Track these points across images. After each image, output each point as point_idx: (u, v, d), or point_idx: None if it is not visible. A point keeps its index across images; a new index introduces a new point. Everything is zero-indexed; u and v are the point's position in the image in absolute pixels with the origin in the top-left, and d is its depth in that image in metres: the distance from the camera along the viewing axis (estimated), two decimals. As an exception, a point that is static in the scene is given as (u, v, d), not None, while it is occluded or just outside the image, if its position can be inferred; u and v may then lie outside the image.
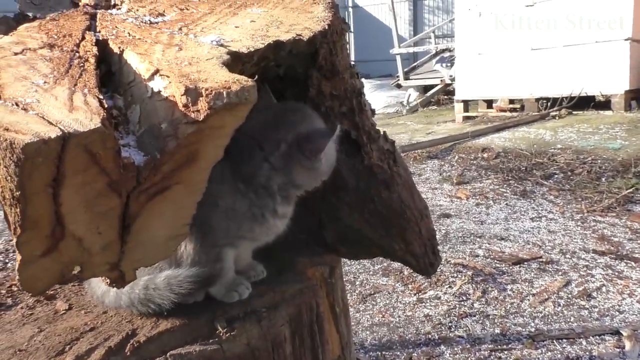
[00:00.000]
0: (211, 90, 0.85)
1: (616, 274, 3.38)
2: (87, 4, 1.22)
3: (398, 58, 13.10)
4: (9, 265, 2.90)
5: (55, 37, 1.02)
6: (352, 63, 1.27)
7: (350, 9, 22.92)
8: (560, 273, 3.40)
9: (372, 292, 3.32)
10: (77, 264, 0.91)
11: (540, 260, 3.60)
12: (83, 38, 1.02)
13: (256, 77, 0.89)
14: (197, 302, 1.24)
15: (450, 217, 4.60)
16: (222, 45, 1.01)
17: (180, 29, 1.08)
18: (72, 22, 1.09)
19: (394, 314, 3.05)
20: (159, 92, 0.90)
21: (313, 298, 1.36)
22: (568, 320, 2.88)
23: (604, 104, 8.12)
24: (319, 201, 1.48)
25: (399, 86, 13.12)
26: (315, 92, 1.25)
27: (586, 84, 8.01)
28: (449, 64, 12.13)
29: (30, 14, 1.24)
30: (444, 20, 17.39)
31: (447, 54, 12.90)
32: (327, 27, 1.10)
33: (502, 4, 8.67)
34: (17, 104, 0.81)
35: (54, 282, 0.91)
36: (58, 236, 0.85)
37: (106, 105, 0.81)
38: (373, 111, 1.36)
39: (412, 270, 1.94)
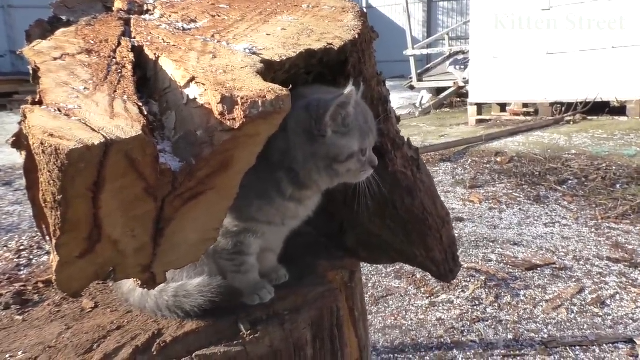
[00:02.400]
0: (247, 99, 0.87)
1: (630, 281, 3.37)
2: (121, 9, 1.24)
3: (411, 59, 13.07)
4: (33, 261, 2.96)
5: (92, 42, 1.04)
6: (380, 71, 1.28)
7: (364, 10, 22.89)
8: (573, 280, 3.39)
9: (385, 295, 3.33)
10: (111, 266, 0.93)
11: (554, 266, 3.59)
12: (119, 44, 1.04)
13: (290, 86, 0.90)
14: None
15: (463, 221, 4.59)
16: (254, 53, 1.02)
17: (212, 36, 1.10)
18: (108, 28, 1.11)
19: (407, 317, 3.06)
20: (195, 99, 0.92)
21: (334, 302, 1.38)
22: (581, 327, 2.88)
23: (619, 110, 8.06)
24: (340, 205, 1.49)
25: (412, 88, 13.10)
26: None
27: (601, 90, 7.95)
28: (462, 67, 12.09)
29: (63, 18, 1.27)
30: (458, 23, 17.32)
31: (460, 56, 12.85)
32: (357, 36, 1.12)
33: (518, 7, 8.63)
34: (59, 110, 0.83)
35: (88, 282, 0.93)
36: (95, 239, 0.87)
37: (145, 112, 0.83)
38: (398, 118, 1.37)
39: (425, 273, 1.94)
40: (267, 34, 1.11)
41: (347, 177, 1.22)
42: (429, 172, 1.45)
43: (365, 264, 3.74)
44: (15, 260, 2.17)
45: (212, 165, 0.89)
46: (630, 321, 2.92)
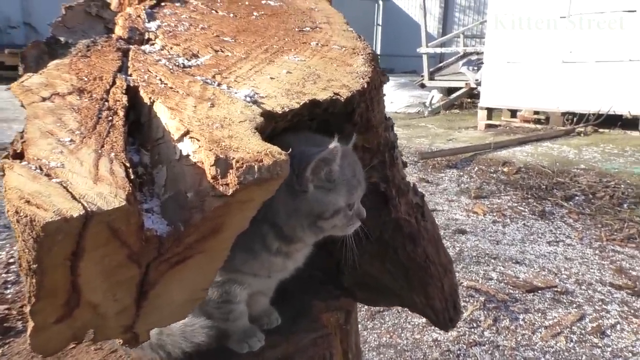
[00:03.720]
0: (242, 163, 0.80)
1: (632, 311, 3.31)
2: (121, 38, 1.17)
3: (424, 57, 12.92)
4: (22, 278, 2.88)
5: (86, 79, 0.98)
6: (387, 116, 1.21)
7: (381, 2, 22.65)
8: (574, 305, 3.33)
9: (382, 310, 3.28)
10: (91, 328, 0.88)
11: (555, 289, 3.53)
12: (114, 83, 0.98)
13: (290, 150, 0.84)
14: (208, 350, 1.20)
15: (466, 233, 4.53)
16: (255, 102, 0.96)
17: (213, 76, 1.04)
18: (104, 61, 1.05)
19: (402, 335, 3.01)
20: (188, 156, 0.86)
21: (327, 348, 1.33)
22: (580, 358, 2.83)
23: (632, 124, 7.93)
24: (338, 245, 1.43)
25: (422, 86, 12.97)
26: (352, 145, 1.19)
27: (615, 102, 7.82)
28: (475, 68, 11.94)
29: (62, 39, 1.20)
30: (474, 21, 17.09)
31: (474, 57, 12.68)
32: (365, 86, 1.05)
33: (536, 13, 8.47)
34: (40, 168, 0.77)
35: (65, 344, 0.88)
36: (73, 304, 0.81)
37: (132, 176, 0.77)
38: (405, 163, 1.31)
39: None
40: (271, 78, 1.05)
41: (333, 232, 1.15)
42: (434, 220, 1.39)
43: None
44: (3, 275, 2.12)
45: (202, 231, 0.84)
46: (630, 354, 2.87)
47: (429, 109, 11.41)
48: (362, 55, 1.14)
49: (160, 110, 0.93)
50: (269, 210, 1.06)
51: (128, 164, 0.79)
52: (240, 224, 0.87)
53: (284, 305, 1.40)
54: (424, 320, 3.16)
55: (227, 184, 0.81)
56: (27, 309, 0.79)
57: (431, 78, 12.91)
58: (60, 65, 1.02)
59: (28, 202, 0.71)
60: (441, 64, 14.00)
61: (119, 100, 0.93)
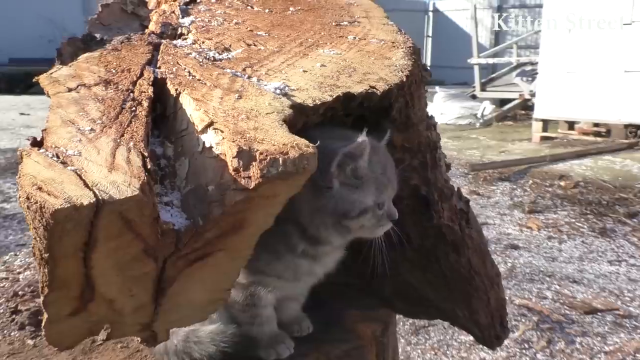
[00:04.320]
0: (266, 155, 0.75)
1: (703, 339, 3.03)
2: (153, 32, 1.16)
3: (476, 68, 12.62)
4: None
5: (114, 71, 0.96)
6: (430, 114, 1.13)
7: (430, 13, 22.40)
8: (638, 331, 3.08)
9: (427, 325, 3.15)
10: (107, 323, 0.84)
11: (617, 312, 3.28)
12: (141, 75, 0.95)
13: (318, 143, 0.78)
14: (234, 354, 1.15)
15: (519, 249, 4.32)
16: (285, 94, 0.91)
17: (244, 69, 0.99)
18: (134, 54, 1.03)
19: (448, 352, 2.87)
20: (211, 147, 0.81)
21: (361, 361, 1.25)
22: (643, 388, 2.60)
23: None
24: (366, 247, 1.35)
25: (474, 97, 12.65)
26: (385, 142, 1.12)
27: (683, 114, 7.34)
28: (529, 79, 11.54)
29: (97, 35, 1.20)
30: (528, 31, 16.58)
31: (528, 68, 12.27)
32: (405, 79, 0.98)
33: (597, 20, 8.10)
34: (57, 156, 0.74)
35: (81, 339, 0.85)
36: (87, 297, 0.78)
37: (149, 166, 0.73)
38: (448, 166, 1.22)
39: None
40: (304, 71, 0.99)
41: (361, 233, 1.06)
42: (480, 228, 1.29)
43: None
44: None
45: (222, 226, 0.79)
46: (700, 386, 2.62)
47: (481, 120, 11.09)
48: (402, 48, 1.07)
49: (186, 101, 0.89)
50: (293, 208, 0.96)
51: (146, 154, 0.76)
52: (264, 222, 0.81)
53: (317, 313, 1.33)
54: (471, 338, 3.01)
55: (249, 177, 0.76)
56: (41, 300, 0.76)
57: (483, 89, 12.58)
58: (90, 58, 1.01)
59: (40, 188, 0.68)
60: (493, 75, 13.63)
61: (144, 92, 0.90)
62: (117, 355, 1.19)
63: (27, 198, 0.67)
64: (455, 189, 1.24)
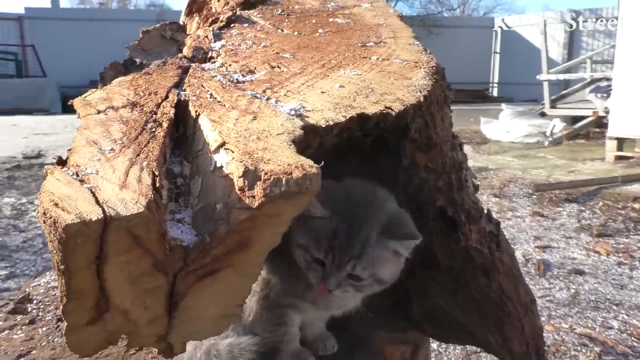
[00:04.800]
0: (270, 175, 0.77)
1: None
2: (185, 56, 1.22)
3: (545, 84, 12.14)
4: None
5: (142, 94, 1.02)
6: (455, 134, 1.11)
7: (499, 29, 21.88)
8: None
9: (479, 350, 3.03)
10: (123, 334, 0.88)
11: (691, 346, 3.02)
12: (166, 97, 1.01)
13: (322, 163, 0.79)
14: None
15: (584, 274, 4.07)
16: (300, 115, 0.92)
17: (264, 91, 1.02)
18: (163, 78, 1.08)
19: (500, 381, 2.75)
20: (221, 167, 0.84)
21: (387, 385, 1.23)
22: None
23: None
24: (406, 273, 1.33)
25: (543, 114, 12.15)
26: (409, 163, 1.11)
27: None
28: (605, 95, 10.94)
29: (137, 60, 1.27)
30: (605, 45, 15.79)
31: (604, 83, 11.66)
32: (422, 99, 0.97)
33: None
34: (77, 174, 0.80)
35: (101, 347, 0.89)
36: (103, 308, 0.82)
37: (158, 184, 0.77)
38: (476, 187, 1.19)
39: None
40: (322, 92, 1.01)
41: (302, 268, 1.09)
42: (513, 252, 1.24)
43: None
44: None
45: (228, 244, 0.81)
46: None
47: (550, 138, 10.62)
48: (424, 68, 1.06)
49: (204, 122, 0.93)
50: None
51: (157, 172, 0.80)
52: (270, 240, 0.83)
53: (343, 333, 1.33)
54: (526, 366, 2.86)
55: (253, 197, 0.78)
56: (60, 309, 0.81)
57: (553, 106, 12.06)
58: (122, 81, 1.08)
59: (56, 204, 0.73)
60: (564, 92, 13.04)
61: (166, 113, 0.95)
62: (148, 365, 1.24)
63: (44, 214, 0.73)
64: (485, 211, 1.21)
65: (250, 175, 0.78)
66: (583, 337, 3.10)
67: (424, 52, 1.13)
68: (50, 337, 1.37)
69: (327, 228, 1.02)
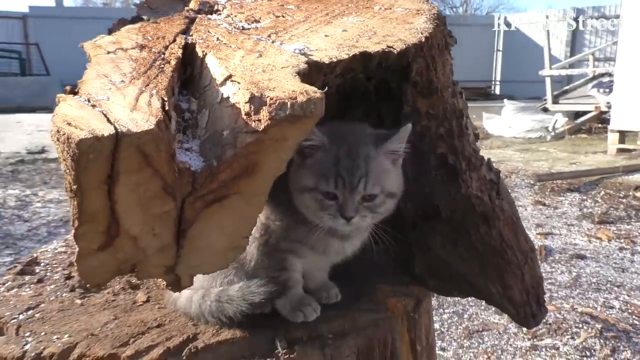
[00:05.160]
0: (275, 100, 0.79)
1: None
2: (191, 9, 1.24)
3: (547, 80, 12.14)
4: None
5: (150, 38, 1.05)
6: (455, 81, 1.13)
7: (501, 27, 21.86)
8: None
9: (481, 329, 3.06)
10: (133, 262, 0.90)
11: (693, 325, 3.04)
12: (174, 40, 1.03)
13: (326, 88, 0.82)
14: (261, 316, 1.19)
15: (585, 259, 4.09)
16: (304, 54, 0.95)
17: (269, 35, 1.05)
18: (170, 25, 1.11)
19: (502, 357, 2.77)
20: (228, 98, 0.87)
21: (389, 332, 1.25)
22: None
23: None
24: (410, 229, 1.36)
25: (545, 110, 12.16)
26: (410, 110, 1.14)
27: None
28: (607, 90, 10.96)
29: (145, 17, 1.30)
30: (607, 42, 15.77)
31: (606, 79, 11.66)
32: (423, 40, 0.99)
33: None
34: (89, 100, 0.82)
35: (111, 276, 0.92)
36: (113, 233, 0.85)
37: (167, 107, 0.80)
38: (477, 135, 1.21)
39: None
40: (326, 35, 1.04)
41: (310, 214, 1.13)
42: (512, 200, 1.26)
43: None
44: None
45: (235, 168, 0.83)
46: None
47: (552, 133, 10.64)
48: (425, 15, 1.09)
49: (211, 60, 0.96)
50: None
51: (166, 98, 0.82)
52: (276, 166, 0.85)
53: (348, 287, 1.35)
54: (528, 344, 2.89)
55: (259, 120, 0.80)
56: (72, 233, 0.83)
57: (555, 102, 12.07)
58: (130, 28, 1.11)
59: (69, 124, 0.76)
60: (567, 87, 13.04)
61: (174, 53, 0.98)
62: (154, 314, 1.26)
63: (58, 131, 0.75)
64: (485, 160, 1.23)
65: (257, 101, 0.81)
66: (584, 316, 3.12)
67: (425, 2, 1.16)
68: (58, 293, 1.39)
69: (329, 157, 1.06)
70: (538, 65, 12.95)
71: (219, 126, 0.86)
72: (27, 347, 1.14)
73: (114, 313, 1.27)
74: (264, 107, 0.80)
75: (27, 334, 1.20)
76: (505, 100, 12.71)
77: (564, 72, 12.97)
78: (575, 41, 19.10)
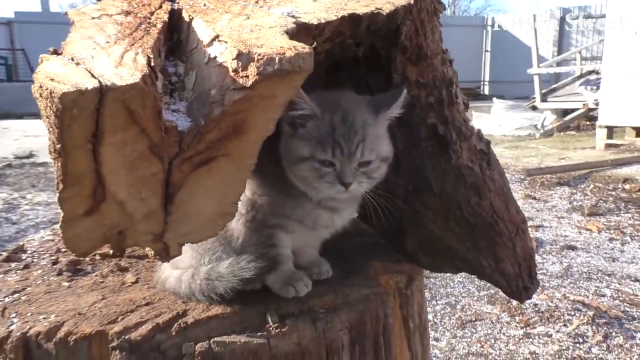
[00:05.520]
0: (263, 56, 0.78)
1: None
2: (177, -20, 1.23)
3: (536, 79, 12.24)
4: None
5: (135, 5, 1.03)
6: (445, 49, 1.13)
7: (489, 28, 22.04)
8: None
9: (474, 319, 3.05)
10: (120, 229, 0.88)
11: (683, 311, 3.06)
12: (160, 7, 1.02)
13: (314, 44, 0.80)
14: (252, 292, 1.17)
15: (576, 249, 4.11)
16: (292, 16, 0.94)
17: (256, 1, 1.04)
18: (156, -6, 1.10)
19: (495, 345, 2.76)
20: (215, 57, 0.85)
21: (381, 307, 1.23)
22: None
23: None
24: (402, 205, 1.35)
25: (534, 108, 12.25)
26: (400, 79, 1.13)
27: None
28: (594, 87, 11.07)
29: (129, -8, 1.28)
30: (593, 41, 15.94)
31: (593, 77, 11.79)
32: (412, 2, 0.98)
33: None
34: (72, 59, 0.81)
35: (97, 244, 0.90)
36: (99, 197, 0.83)
37: (152, 64, 0.78)
38: (466, 104, 1.21)
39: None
40: (314, 0, 1.02)
41: (307, 186, 1.12)
42: (503, 171, 1.26)
43: (452, 283, 3.48)
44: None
45: (223, 127, 0.82)
46: None
47: (541, 131, 10.72)
48: (413, -19, 1.08)
49: (198, 23, 0.94)
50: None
51: (152, 56, 0.80)
52: (265, 126, 0.84)
53: (339, 263, 1.34)
54: (521, 332, 2.89)
55: (246, 76, 0.79)
56: (56, 197, 0.81)
57: (544, 100, 12.17)
58: (116, -3, 1.09)
59: (52, 79, 0.74)
60: (555, 85, 13.16)
61: (160, 18, 0.96)
62: (143, 294, 1.24)
63: (40, 86, 0.73)
64: (476, 130, 1.22)
65: (244, 57, 0.79)
66: (576, 303, 3.13)
67: (412, -31, 1.15)
68: (45, 278, 1.37)
69: (323, 125, 1.04)
70: (526, 65, 13.05)
71: (206, 86, 0.85)
72: (13, 327, 1.11)
73: (102, 293, 1.24)
74: (251, 64, 0.79)
75: (13, 315, 1.17)
76: (495, 99, 12.78)
77: (551, 71, 13.09)
78: (562, 40, 19.30)
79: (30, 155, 9.32)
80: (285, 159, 1.11)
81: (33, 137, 11.52)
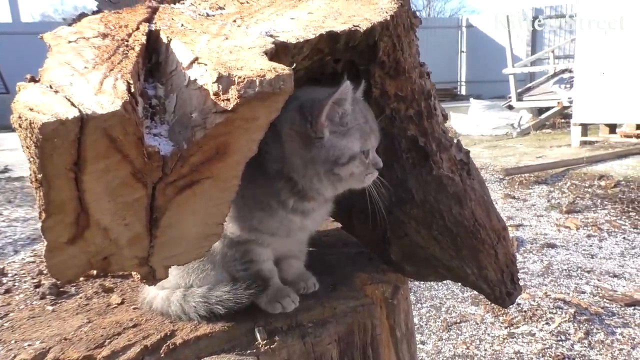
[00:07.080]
0: (244, 78, 0.79)
1: None
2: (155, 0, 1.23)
3: (511, 78, 12.44)
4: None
5: (112, 27, 1.03)
6: (423, 62, 1.14)
7: (464, 29, 22.32)
8: (685, 322, 2.93)
9: (458, 321, 3.08)
10: (105, 255, 0.88)
11: (661, 304, 3.13)
12: (137, 29, 1.01)
13: (294, 65, 0.81)
14: (240, 309, 1.17)
15: (556, 247, 4.19)
16: (270, 35, 0.95)
17: (234, 20, 1.04)
18: (133, 15, 1.09)
19: (480, 346, 2.80)
20: (195, 80, 0.85)
21: (368, 318, 1.24)
22: (691, 378, 2.46)
23: None
24: (385, 214, 1.36)
25: (510, 107, 12.43)
26: (379, 93, 1.14)
27: None
28: (568, 86, 11.29)
29: (105, 11, 1.27)
30: (566, 40, 16.24)
31: (567, 75, 12.01)
32: (389, 19, 1.00)
33: (632, 18, 7.89)
34: (51, 86, 0.80)
35: (82, 271, 0.89)
36: (83, 224, 0.82)
37: (132, 90, 0.78)
38: (445, 116, 1.23)
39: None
40: (292, 18, 1.03)
41: (351, 182, 1.11)
42: (482, 180, 1.28)
43: (436, 285, 3.51)
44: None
45: (206, 150, 0.82)
46: None
47: (518, 130, 10.88)
48: (389, -4, 1.09)
49: (176, 45, 0.94)
50: (284, 166, 1.08)
51: (132, 81, 0.80)
52: (247, 147, 0.84)
53: (325, 275, 1.35)
54: (505, 332, 2.92)
55: (228, 99, 0.79)
56: (39, 226, 0.81)
57: (519, 99, 12.36)
58: (92, 19, 1.08)
59: (31, 109, 0.73)
60: (530, 85, 13.37)
61: (137, 40, 0.96)
62: (129, 315, 1.23)
63: (19, 117, 0.73)
64: (455, 141, 1.24)
65: (225, 80, 0.80)
66: (558, 301, 3.18)
67: (389, -14, 1.17)
68: (28, 302, 1.34)
69: (357, 115, 1.06)
70: (501, 65, 13.24)
71: (187, 109, 0.85)
72: (-4, 356, 1.10)
73: (87, 317, 1.23)
74: (232, 87, 0.79)
75: (-4, 342, 1.15)
76: (472, 100, 12.95)
77: (526, 70, 13.31)
78: (535, 40, 19.63)
79: (5, 170, 9.12)
80: (331, 164, 1.05)
81: (8, 150, 11.30)
